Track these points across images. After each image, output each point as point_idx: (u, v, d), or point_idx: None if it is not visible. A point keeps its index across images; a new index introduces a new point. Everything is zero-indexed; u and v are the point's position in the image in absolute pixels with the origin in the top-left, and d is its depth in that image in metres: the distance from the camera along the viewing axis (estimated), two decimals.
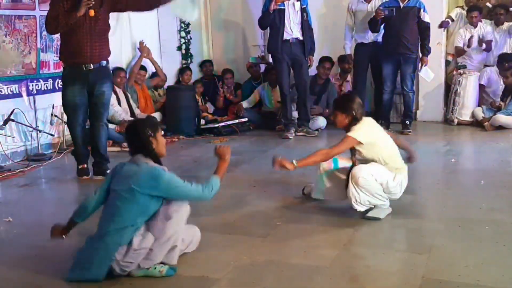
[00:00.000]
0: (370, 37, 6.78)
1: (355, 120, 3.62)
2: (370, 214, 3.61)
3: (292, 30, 6.48)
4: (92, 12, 4.55)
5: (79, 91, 4.73)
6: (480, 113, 6.88)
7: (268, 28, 6.63)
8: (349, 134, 3.59)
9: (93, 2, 4.53)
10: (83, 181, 4.98)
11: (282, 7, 6.40)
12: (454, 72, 7.25)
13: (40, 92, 6.02)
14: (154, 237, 2.78)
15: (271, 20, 6.45)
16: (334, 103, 3.89)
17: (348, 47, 6.94)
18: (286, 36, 6.47)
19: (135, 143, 2.95)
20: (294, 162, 3.56)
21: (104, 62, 4.81)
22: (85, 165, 5.02)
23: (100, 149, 4.97)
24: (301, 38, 6.52)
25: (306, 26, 6.55)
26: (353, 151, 3.67)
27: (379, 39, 6.79)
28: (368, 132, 3.62)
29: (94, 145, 4.97)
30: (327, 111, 7.05)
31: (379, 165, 3.59)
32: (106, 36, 4.83)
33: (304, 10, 6.51)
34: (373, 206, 3.62)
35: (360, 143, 3.57)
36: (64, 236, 3.07)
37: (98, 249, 2.78)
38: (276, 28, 6.47)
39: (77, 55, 4.63)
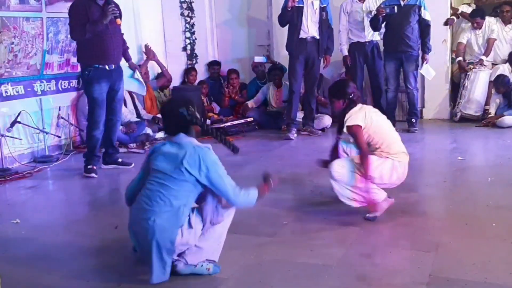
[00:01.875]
0: (366, 36, 6.76)
1: (352, 104, 3.64)
2: (368, 215, 3.59)
3: (309, 28, 6.45)
4: (119, 21, 5.02)
5: (105, 88, 5.12)
6: (493, 107, 6.85)
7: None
8: (348, 125, 3.57)
9: (118, 12, 4.99)
10: (90, 178, 5.13)
11: (301, 5, 6.38)
12: (470, 68, 7.18)
13: (44, 93, 6.05)
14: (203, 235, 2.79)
15: (289, 17, 6.45)
16: (328, 91, 3.89)
17: (345, 48, 6.90)
18: (302, 35, 6.46)
19: (177, 122, 2.80)
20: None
21: (120, 63, 5.27)
22: (95, 166, 5.24)
23: (113, 141, 5.41)
24: (317, 37, 6.50)
25: (324, 25, 6.52)
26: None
27: (375, 38, 6.78)
28: (362, 115, 3.61)
29: (108, 137, 5.34)
30: (322, 98, 7.01)
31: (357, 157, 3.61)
32: (121, 40, 5.32)
33: (323, 9, 6.48)
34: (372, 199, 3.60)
35: (360, 126, 3.57)
36: None
37: (154, 232, 2.66)
38: (294, 25, 6.46)
39: (104, 57, 5.05)
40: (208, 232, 2.81)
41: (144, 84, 5.74)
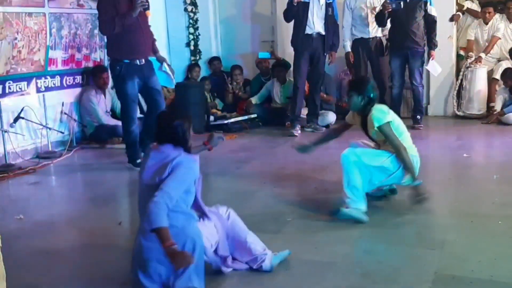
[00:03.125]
0: (370, 32, 6.72)
1: (371, 102, 3.63)
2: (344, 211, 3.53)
3: (315, 24, 6.41)
4: (149, 13, 4.98)
5: (137, 84, 5.07)
6: (499, 103, 6.81)
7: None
8: (382, 123, 3.55)
9: (147, 4, 4.89)
10: (131, 173, 5.11)
11: (307, 0, 6.33)
12: (462, 68, 7.18)
13: (48, 89, 6.04)
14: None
15: (295, 13, 6.41)
16: (349, 85, 3.90)
17: (348, 45, 6.85)
18: (308, 31, 6.41)
19: (169, 135, 2.70)
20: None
21: (149, 57, 5.20)
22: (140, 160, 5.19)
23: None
24: (323, 33, 6.46)
25: (330, 21, 6.48)
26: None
27: (379, 34, 6.74)
28: (386, 110, 3.65)
29: (149, 130, 5.17)
30: (325, 96, 6.99)
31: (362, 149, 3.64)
32: (151, 33, 5.25)
33: (329, 5, 6.43)
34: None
35: (390, 121, 3.58)
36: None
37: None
38: (299, 21, 6.43)
39: (134, 52, 4.98)
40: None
41: (172, 76, 5.51)
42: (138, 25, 4.92)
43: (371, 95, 3.63)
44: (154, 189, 2.54)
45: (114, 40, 5.00)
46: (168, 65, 5.47)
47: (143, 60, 5.04)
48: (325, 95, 6.98)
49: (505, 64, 7.03)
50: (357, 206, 3.49)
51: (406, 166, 3.57)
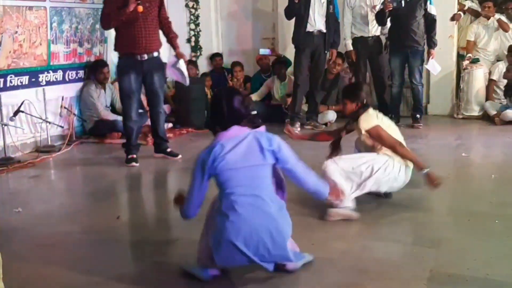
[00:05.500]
0: (370, 31, 6.73)
1: (365, 107, 3.65)
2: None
3: (316, 21, 6.42)
4: (140, 8, 4.82)
5: (134, 80, 5.04)
6: (491, 109, 6.82)
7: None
8: (368, 128, 3.57)
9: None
10: (130, 167, 5.17)
11: None
12: (462, 69, 7.20)
13: (49, 83, 6.04)
14: None
15: (297, 10, 6.41)
16: (343, 91, 3.93)
17: (350, 43, 6.86)
18: (309, 28, 6.42)
19: (232, 114, 2.58)
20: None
21: (156, 53, 5.09)
22: (134, 155, 5.25)
23: (159, 132, 5.38)
24: (324, 30, 6.46)
25: (331, 19, 6.49)
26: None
27: (378, 32, 6.75)
28: (374, 115, 3.67)
29: (153, 127, 5.40)
30: (333, 107, 7.00)
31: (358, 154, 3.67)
32: (157, 29, 5.14)
33: (331, 2, 6.44)
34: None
35: (378, 125, 3.59)
36: None
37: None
38: (300, 18, 6.43)
39: (133, 47, 4.95)
40: None
41: (186, 74, 5.35)
42: (139, 21, 4.90)
43: (365, 101, 3.66)
44: (257, 170, 2.52)
45: (117, 35, 5.10)
46: (186, 62, 5.36)
47: (145, 56, 5.00)
48: (333, 107, 6.99)
49: (502, 65, 7.05)
50: (345, 204, 3.51)
51: (411, 159, 3.59)
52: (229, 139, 2.55)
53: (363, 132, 3.62)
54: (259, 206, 2.51)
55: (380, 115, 3.75)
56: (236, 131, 2.57)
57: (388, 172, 3.58)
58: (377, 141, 3.62)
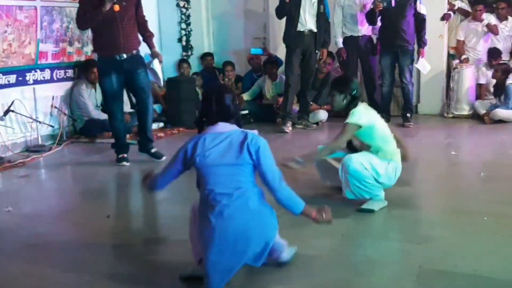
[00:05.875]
0: (360, 30, 6.76)
1: (354, 100, 3.62)
2: (364, 206, 3.60)
3: (307, 21, 6.43)
4: (117, 7, 4.75)
5: (116, 80, 4.96)
6: (481, 108, 6.87)
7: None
8: (348, 121, 3.56)
9: None
10: (120, 167, 5.14)
11: None
12: (452, 68, 7.24)
13: (37, 82, 6.02)
14: None
15: (287, 10, 6.43)
16: (331, 84, 3.88)
17: (340, 41, 6.89)
18: (300, 28, 6.44)
19: (224, 112, 2.61)
20: (299, 159, 3.55)
21: (134, 51, 5.02)
22: (125, 155, 5.21)
23: (145, 130, 5.25)
24: (315, 30, 6.48)
25: (322, 18, 6.50)
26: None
27: (369, 32, 6.78)
28: (366, 114, 3.60)
29: (139, 126, 5.30)
30: (325, 106, 7.02)
31: (370, 154, 3.58)
32: (135, 27, 5.05)
33: (321, 2, 6.46)
34: (367, 198, 3.62)
35: (359, 127, 3.54)
36: None
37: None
38: (291, 18, 6.45)
39: (111, 47, 4.88)
40: None
41: (159, 75, 5.32)
42: (116, 20, 4.81)
43: (354, 93, 3.61)
44: (235, 168, 2.50)
45: (94, 36, 5.02)
46: (161, 62, 5.25)
47: (124, 55, 4.91)
48: (312, 105, 7.00)
49: (485, 68, 7.13)
50: (379, 198, 3.59)
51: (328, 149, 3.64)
52: (215, 134, 2.56)
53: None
54: (239, 204, 2.50)
55: (378, 117, 3.71)
56: (223, 127, 2.58)
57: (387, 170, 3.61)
58: (340, 131, 3.61)
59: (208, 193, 2.53)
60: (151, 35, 5.22)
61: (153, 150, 5.29)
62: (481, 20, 7.24)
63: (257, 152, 2.53)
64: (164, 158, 5.14)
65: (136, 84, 5.07)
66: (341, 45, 6.87)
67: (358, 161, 3.53)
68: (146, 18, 5.19)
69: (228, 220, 2.47)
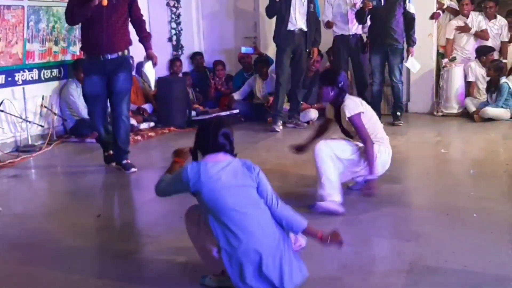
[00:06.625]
0: (351, 29, 6.78)
1: (342, 93, 3.66)
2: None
3: (297, 20, 6.43)
4: (104, 2, 4.47)
5: (98, 81, 4.71)
6: (471, 105, 6.92)
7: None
8: (350, 115, 3.59)
9: None
10: (108, 167, 5.01)
11: None
12: (442, 67, 7.29)
13: (26, 82, 5.99)
14: None
15: (277, 9, 6.43)
16: (319, 77, 3.92)
17: (330, 17, 6.81)
18: (290, 27, 6.44)
19: (223, 144, 2.63)
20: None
21: (121, 53, 4.73)
22: (111, 152, 4.97)
23: (118, 141, 4.83)
24: (305, 29, 6.49)
25: (312, 17, 6.52)
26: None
27: (359, 31, 6.81)
28: (358, 101, 3.68)
29: (114, 135, 4.87)
30: (316, 105, 7.04)
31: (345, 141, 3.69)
32: (125, 27, 4.78)
33: (311, 1, 6.47)
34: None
35: (361, 112, 3.60)
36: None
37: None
38: (281, 17, 6.45)
39: (95, 46, 4.64)
40: None
41: (151, 78, 5.06)
42: (101, 18, 4.55)
43: (341, 85, 3.65)
44: (248, 189, 2.55)
45: (81, 33, 4.81)
46: (154, 64, 4.90)
47: (108, 56, 4.63)
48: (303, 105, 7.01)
49: (474, 65, 7.17)
50: (333, 198, 3.53)
51: (368, 158, 3.60)
52: (216, 162, 2.58)
53: (346, 119, 3.64)
54: (258, 224, 2.51)
55: (364, 103, 3.78)
56: (222, 157, 2.62)
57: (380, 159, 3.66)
58: (354, 128, 3.64)
59: (230, 213, 2.49)
60: (148, 36, 4.93)
61: (124, 162, 4.85)
62: (467, 16, 7.27)
63: (258, 176, 2.60)
64: (133, 170, 4.81)
65: (112, 86, 4.71)
66: (330, 19, 6.82)
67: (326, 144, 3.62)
68: (144, 18, 4.96)
69: (250, 242, 2.49)
